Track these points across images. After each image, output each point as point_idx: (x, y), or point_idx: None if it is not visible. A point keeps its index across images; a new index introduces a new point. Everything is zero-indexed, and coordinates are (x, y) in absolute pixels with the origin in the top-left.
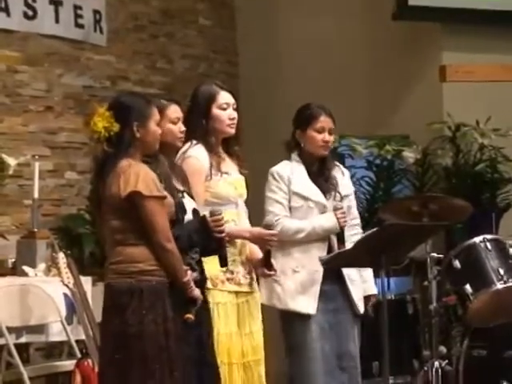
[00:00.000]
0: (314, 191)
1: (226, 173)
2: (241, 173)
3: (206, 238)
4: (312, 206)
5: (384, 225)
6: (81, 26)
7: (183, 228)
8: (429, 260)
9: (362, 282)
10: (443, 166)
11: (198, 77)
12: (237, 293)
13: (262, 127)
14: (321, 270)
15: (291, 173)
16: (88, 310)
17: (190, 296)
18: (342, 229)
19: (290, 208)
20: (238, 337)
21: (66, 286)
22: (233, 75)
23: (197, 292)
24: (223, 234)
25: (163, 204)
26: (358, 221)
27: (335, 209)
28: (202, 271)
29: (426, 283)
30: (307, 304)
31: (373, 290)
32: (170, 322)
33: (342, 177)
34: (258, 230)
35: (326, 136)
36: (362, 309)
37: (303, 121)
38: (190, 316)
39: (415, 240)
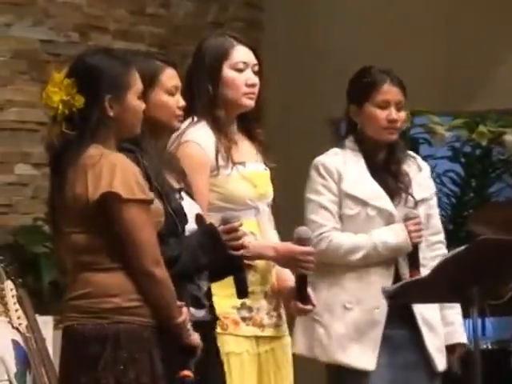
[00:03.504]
0: (375, 193)
1: (241, 163)
2: (266, 166)
3: (216, 257)
4: (372, 213)
5: (476, 241)
6: None
7: (184, 244)
8: None
9: (444, 325)
10: None
11: (206, 27)
12: (257, 338)
13: (293, 100)
14: (384, 307)
15: (344, 166)
16: (47, 364)
17: (186, 343)
18: (415, 248)
19: (342, 216)
20: None
21: (17, 329)
22: (255, 25)
23: (196, 338)
24: (242, 251)
25: (149, 211)
26: (442, 236)
27: (406, 218)
28: (212, 307)
29: None
30: (363, 356)
31: (460, 337)
32: (160, 381)
33: (419, 173)
34: (286, 246)
35: (393, 113)
36: (442, 364)
37: (360, 92)
38: (189, 373)
39: None
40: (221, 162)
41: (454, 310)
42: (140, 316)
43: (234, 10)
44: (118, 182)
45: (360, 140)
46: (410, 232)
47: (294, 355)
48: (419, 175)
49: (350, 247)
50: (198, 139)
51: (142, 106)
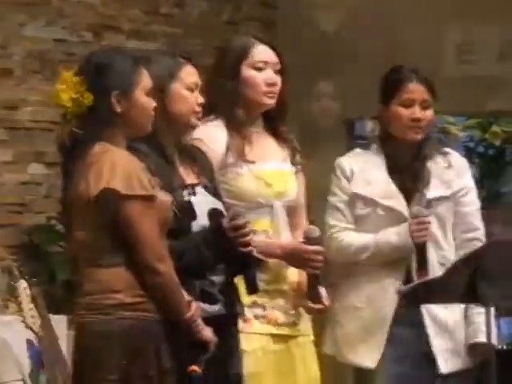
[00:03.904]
0: (387, 192)
1: (252, 162)
2: (293, 164)
3: (220, 252)
4: (382, 213)
5: (490, 241)
6: None
7: (190, 240)
8: None
9: (468, 324)
10: None
11: (220, 26)
12: (272, 336)
13: (308, 100)
14: (391, 306)
15: (360, 166)
16: (61, 363)
17: (197, 339)
18: (419, 247)
19: (356, 217)
20: None
21: (31, 328)
22: (270, 24)
23: (207, 333)
24: (250, 248)
25: (152, 207)
26: (479, 233)
27: (414, 217)
28: (231, 302)
29: None
30: (368, 354)
31: (482, 336)
32: (168, 376)
33: (446, 170)
34: (293, 244)
35: (417, 111)
36: (447, 366)
37: (387, 90)
38: (196, 368)
39: None
40: (230, 160)
41: (477, 309)
42: (144, 311)
43: (249, 10)
44: (117, 179)
45: (385, 139)
46: (412, 231)
47: (323, 354)
48: (446, 172)
49: (359, 246)
50: (205, 137)
51: (151, 103)
